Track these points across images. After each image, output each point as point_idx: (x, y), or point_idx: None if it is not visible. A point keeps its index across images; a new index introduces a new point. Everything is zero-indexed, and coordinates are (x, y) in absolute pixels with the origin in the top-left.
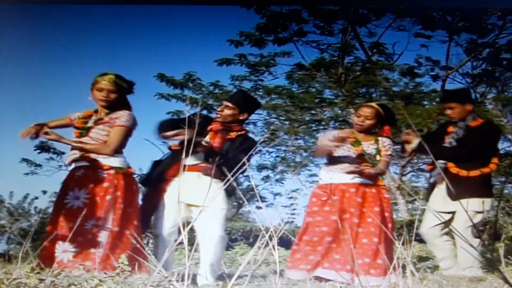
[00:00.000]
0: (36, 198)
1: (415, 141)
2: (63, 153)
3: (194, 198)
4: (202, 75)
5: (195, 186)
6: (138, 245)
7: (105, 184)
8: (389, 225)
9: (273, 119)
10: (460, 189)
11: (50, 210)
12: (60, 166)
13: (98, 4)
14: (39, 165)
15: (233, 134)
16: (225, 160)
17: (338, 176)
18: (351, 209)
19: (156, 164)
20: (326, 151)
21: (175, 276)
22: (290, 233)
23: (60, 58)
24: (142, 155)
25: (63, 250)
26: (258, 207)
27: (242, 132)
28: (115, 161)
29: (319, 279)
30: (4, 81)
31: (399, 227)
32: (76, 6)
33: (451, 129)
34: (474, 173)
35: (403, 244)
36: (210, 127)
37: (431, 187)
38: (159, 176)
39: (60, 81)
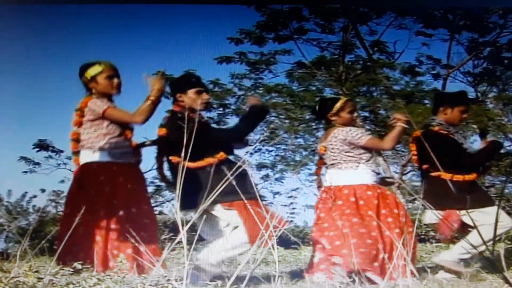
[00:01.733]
0: (35, 196)
1: None
2: (61, 151)
3: None
4: (201, 73)
5: None
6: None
7: None
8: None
9: (273, 118)
10: None
11: (49, 208)
12: (59, 164)
13: (97, 4)
14: (38, 163)
15: None
16: None
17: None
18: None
19: None
20: None
21: (174, 275)
22: (290, 233)
23: (59, 57)
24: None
25: None
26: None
27: None
28: None
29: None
30: (3, 80)
31: None
32: (75, 5)
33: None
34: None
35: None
36: None
37: None
38: None
39: (60, 79)
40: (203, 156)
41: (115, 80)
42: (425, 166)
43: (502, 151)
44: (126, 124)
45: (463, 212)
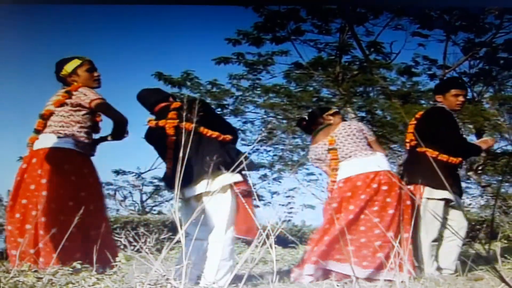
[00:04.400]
0: None
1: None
2: None
3: None
4: (199, 74)
5: None
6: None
7: None
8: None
9: (271, 118)
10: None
11: None
12: None
13: (97, 4)
14: None
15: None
16: None
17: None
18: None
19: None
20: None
21: (173, 274)
22: (287, 232)
23: (59, 57)
24: (140, 154)
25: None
26: (256, 206)
27: None
28: None
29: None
30: (3, 81)
31: None
32: (76, 6)
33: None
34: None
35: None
36: None
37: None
38: None
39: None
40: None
41: (95, 73)
42: (414, 142)
43: (498, 151)
44: (97, 121)
45: (435, 195)
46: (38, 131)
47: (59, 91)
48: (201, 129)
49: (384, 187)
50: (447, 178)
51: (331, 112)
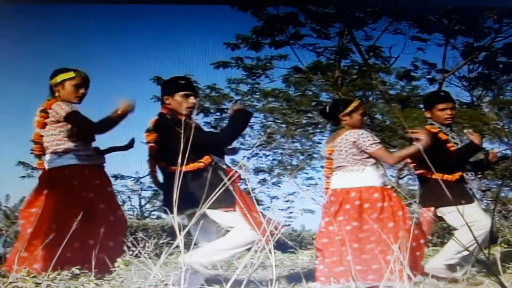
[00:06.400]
0: None
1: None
2: None
3: None
4: (198, 78)
5: None
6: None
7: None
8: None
9: (270, 122)
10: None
11: None
12: None
13: (94, 4)
14: (36, 168)
15: None
16: None
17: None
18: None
19: None
20: None
21: (172, 279)
22: (287, 237)
23: (57, 58)
24: (139, 158)
25: None
26: None
27: None
28: None
29: None
30: (2, 82)
31: None
32: (73, 6)
33: (444, 137)
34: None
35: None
36: None
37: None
38: None
39: None
40: (190, 160)
41: (81, 90)
42: (412, 165)
43: (498, 155)
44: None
45: (446, 210)
46: (38, 156)
47: (37, 110)
48: (172, 168)
49: (366, 205)
50: (451, 193)
51: (348, 110)
